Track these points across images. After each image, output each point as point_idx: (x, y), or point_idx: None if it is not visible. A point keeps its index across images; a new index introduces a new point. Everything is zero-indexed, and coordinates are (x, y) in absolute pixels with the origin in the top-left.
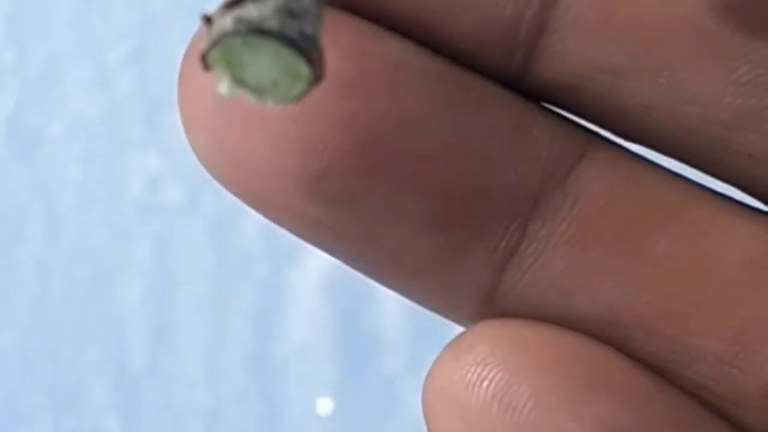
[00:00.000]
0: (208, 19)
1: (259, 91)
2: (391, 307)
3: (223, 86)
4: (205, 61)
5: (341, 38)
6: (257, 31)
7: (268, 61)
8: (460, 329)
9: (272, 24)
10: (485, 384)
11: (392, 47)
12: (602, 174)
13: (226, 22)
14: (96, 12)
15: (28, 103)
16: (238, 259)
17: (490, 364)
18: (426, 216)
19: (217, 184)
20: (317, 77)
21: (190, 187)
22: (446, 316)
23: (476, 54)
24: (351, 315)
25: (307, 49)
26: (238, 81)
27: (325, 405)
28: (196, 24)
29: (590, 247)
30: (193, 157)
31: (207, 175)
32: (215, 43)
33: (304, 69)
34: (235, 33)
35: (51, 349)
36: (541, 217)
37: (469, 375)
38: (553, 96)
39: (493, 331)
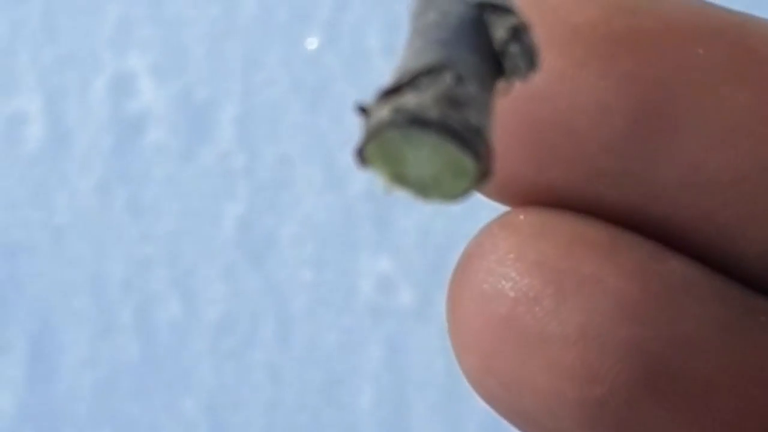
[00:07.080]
0: (363, 110)
1: (421, 187)
2: None
3: (382, 183)
4: (361, 156)
5: (623, 259)
6: (416, 121)
7: (429, 155)
8: None
9: (432, 114)
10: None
11: (677, 268)
12: None
13: (383, 113)
14: (325, 114)
15: (259, 206)
16: None
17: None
18: None
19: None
20: (484, 173)
21: (422, 289)
22: None
23: (766, 275)
24: None
25: (471, 141)
26: (399, 177)
27: None
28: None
29: None
30: (426, 259)
31: (440, 276)
32: (372, 136)
33: (468, 164)
34: (391, 125)
35: None
36: None
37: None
38: None
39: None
